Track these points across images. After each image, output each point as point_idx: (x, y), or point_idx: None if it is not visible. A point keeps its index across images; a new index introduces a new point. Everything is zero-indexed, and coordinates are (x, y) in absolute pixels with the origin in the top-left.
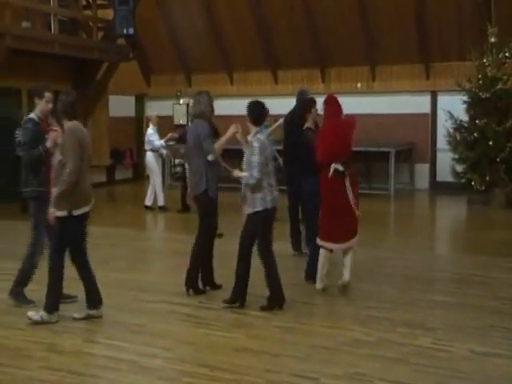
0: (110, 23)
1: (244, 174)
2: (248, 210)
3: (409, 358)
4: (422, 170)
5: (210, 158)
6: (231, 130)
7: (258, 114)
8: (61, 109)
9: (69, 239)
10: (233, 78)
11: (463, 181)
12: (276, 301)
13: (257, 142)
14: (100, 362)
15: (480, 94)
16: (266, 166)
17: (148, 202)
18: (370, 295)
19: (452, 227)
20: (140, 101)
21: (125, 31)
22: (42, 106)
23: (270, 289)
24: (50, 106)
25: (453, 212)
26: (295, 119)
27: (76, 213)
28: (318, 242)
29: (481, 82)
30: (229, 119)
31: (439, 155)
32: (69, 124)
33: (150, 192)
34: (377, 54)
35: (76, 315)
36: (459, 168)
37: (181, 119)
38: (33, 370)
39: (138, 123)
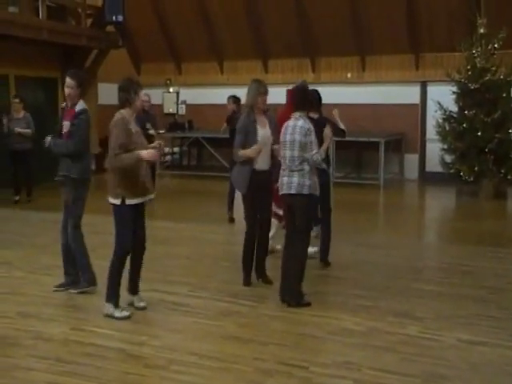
0: (99, 10)
1: (315, 151)
2: (294, 190)
3: (397, 347)
4: (412, 160)
5: (235, 158)
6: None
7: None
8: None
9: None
10: (223, 67)
11: (452, 171)
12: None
13: (308, 124)
14: (88, 350)
15: (469, 84)
16: None
17: None
18: (358, 284)
19: (440, 217)
20: None
21: (114, 18)
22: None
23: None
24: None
25: (441, 202)
26: None
27: (129, 202)
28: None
29: (470, 72)
30: (219, 108)
31: (428, 145)
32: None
33: None
34: (367, 44)
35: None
36: (448, 158)
37: (170, 108)
38: (20, 358)
39: None
